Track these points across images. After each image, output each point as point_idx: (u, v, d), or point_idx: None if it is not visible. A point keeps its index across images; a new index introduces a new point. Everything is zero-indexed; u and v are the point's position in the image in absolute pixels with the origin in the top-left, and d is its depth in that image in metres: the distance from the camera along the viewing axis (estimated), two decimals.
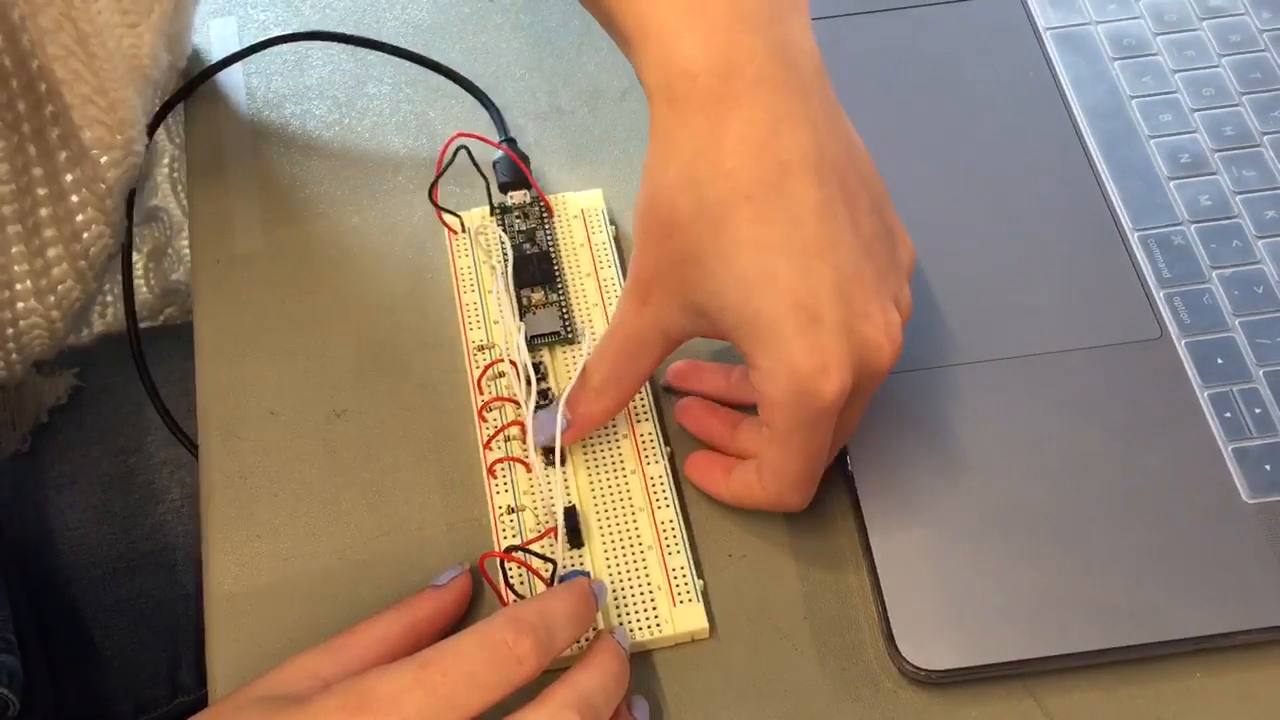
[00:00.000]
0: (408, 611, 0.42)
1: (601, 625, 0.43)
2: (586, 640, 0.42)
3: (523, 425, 0.46)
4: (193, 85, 0.56)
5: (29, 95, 0.48)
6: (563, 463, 0.45)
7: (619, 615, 0.43)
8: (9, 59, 0.46)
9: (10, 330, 0.54)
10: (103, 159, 0.50)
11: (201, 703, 0.43)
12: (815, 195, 0.38)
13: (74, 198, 0.51)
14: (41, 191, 0.50)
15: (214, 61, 0.57)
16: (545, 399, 0.47)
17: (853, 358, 0.39)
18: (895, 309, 0.40)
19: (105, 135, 0.50)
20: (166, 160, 0.65)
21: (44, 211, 0.51)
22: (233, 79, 0.58)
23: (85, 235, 0.53)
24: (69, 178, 0.50)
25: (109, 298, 0.67)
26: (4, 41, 0.46)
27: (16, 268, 0.52)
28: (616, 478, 0.46)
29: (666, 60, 0.39)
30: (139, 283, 0.66)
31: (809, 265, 0.38)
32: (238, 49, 0.57)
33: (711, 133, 0.39)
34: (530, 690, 0.38)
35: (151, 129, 0.55)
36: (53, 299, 0.54)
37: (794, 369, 0.38)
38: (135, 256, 0.65)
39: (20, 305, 0.53)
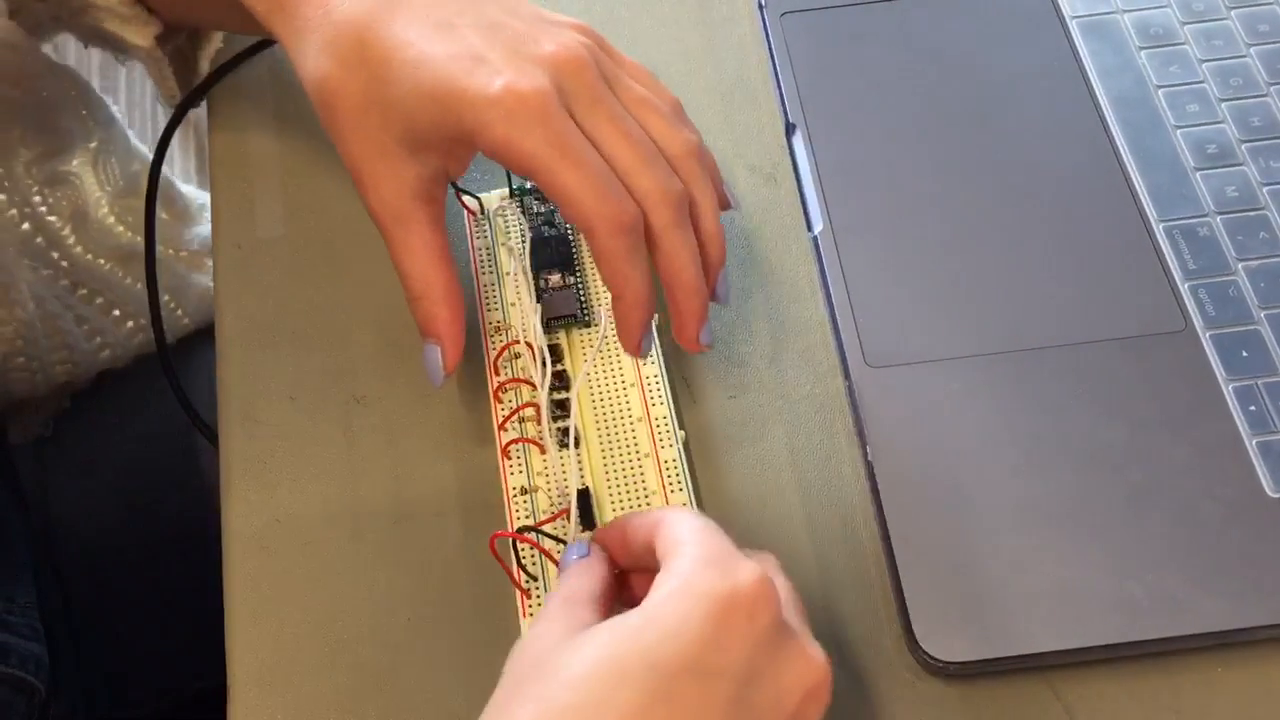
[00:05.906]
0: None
1: None
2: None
3: (538, 407, 0.46)
4: (219, 73, 0.57)
5: None
6: (577, 445, 0.45)
7: None
8: None
9: (23, 358, 0.55)
10: None
11: (222, 687, 0.43)
12: None
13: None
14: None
15: (240, 49, 0.57)
16: (560, 381, 0.47)
17: (536, 68, 0.40)
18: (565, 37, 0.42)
19: None
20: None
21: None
22: (257, 65, 0.58)
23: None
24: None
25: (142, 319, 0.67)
26: None
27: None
28: (630, 461, 0.45)
29: None
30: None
31: (450, 36, 0.40)
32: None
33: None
34: None
35: (175, 120, 0.55)
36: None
37: (478, 96, 0.39)
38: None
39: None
